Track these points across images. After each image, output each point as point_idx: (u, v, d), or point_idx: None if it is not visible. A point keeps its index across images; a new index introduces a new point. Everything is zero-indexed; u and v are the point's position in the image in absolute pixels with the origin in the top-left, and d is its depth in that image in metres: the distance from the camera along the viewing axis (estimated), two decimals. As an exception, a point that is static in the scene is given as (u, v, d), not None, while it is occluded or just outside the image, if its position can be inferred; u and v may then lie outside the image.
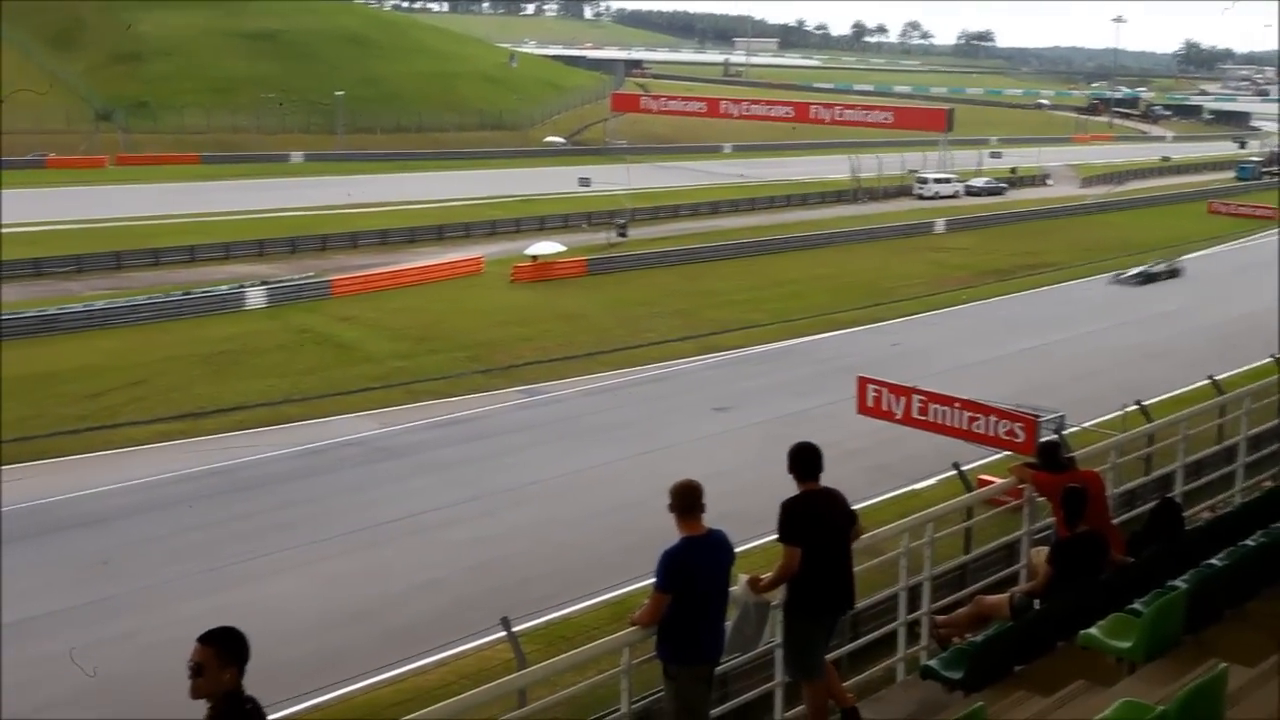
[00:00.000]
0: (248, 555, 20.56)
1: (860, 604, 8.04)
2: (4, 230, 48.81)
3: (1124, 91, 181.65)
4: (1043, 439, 14.83)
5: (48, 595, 19.11)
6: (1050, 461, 9.32)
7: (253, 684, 5.01)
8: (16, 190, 61.36)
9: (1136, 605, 7.40)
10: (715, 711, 7.26)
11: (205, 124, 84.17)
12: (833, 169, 78.75)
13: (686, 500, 6.87)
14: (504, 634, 11.76)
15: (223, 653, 4.99)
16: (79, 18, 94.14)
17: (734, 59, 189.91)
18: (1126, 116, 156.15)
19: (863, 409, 21.22)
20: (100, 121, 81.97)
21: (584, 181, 68.89)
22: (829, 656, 7.60)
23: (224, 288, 42.62)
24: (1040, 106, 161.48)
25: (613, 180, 65.76)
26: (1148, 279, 47.59)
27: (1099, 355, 35.40)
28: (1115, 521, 9.63)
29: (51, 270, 45.36)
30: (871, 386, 21.15)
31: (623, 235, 56.46)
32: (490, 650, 14.32)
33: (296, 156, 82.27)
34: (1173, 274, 48.77)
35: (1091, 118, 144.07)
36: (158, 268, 47.17)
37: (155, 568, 20.26)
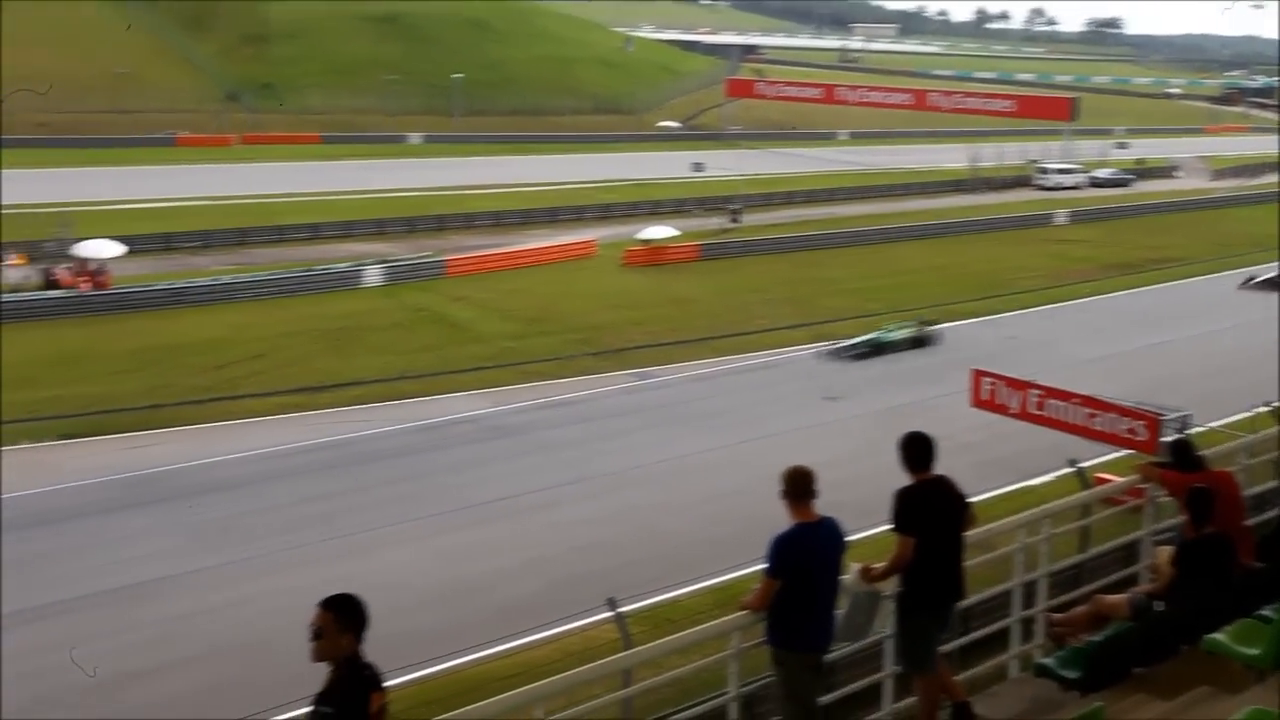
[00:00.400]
0: (362, 527, 21.06)
1: (973, 599, 7.90)
2: (135, 206, 50.80)
3: (1261, 80, 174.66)
4: (1173, 437, 14.35)
5: (173, 559, 19.84)
6: (1181, 460, 9.02)
7: (367, 652, 5.11)
8: (147, 167, 63.65)
9: (1266, 611, 7.14)
10: (824, 700, 7.20)
11: (328, 105, 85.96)
12: (950, 158, 77.40)
13: (799, 486, 6.81)
14: (609, 614, 11.83)
15: (341, 618, 5.09)
16: (211, 1, 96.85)
17: (851, 45, 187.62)
18: (1263, 106, 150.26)
19: (977, 402, 20.87)
20: (228, 101, 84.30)
21: (697, 166, 68.83)
22: (941, 650, 7.48)
23: (343, 265, 43.55)
24: (1169, 96, 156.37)
25: (726, 165, 65.55)
26: (873, 351, 34.21)
27: (1228, 354, 34.22)
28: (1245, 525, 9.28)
29: (180, 245, 46.88)
30: (986, 380, 20.83)
31: (736, 221, 56.24)
32: (596, 630, 14.41)
33: (415, 138, 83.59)
34: (918, 344, 35.11)
35: (1225, 108, 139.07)
36: (280, 244, 48.39)
37: (274, 536, 20.85)
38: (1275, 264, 43.54)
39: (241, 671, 15.59)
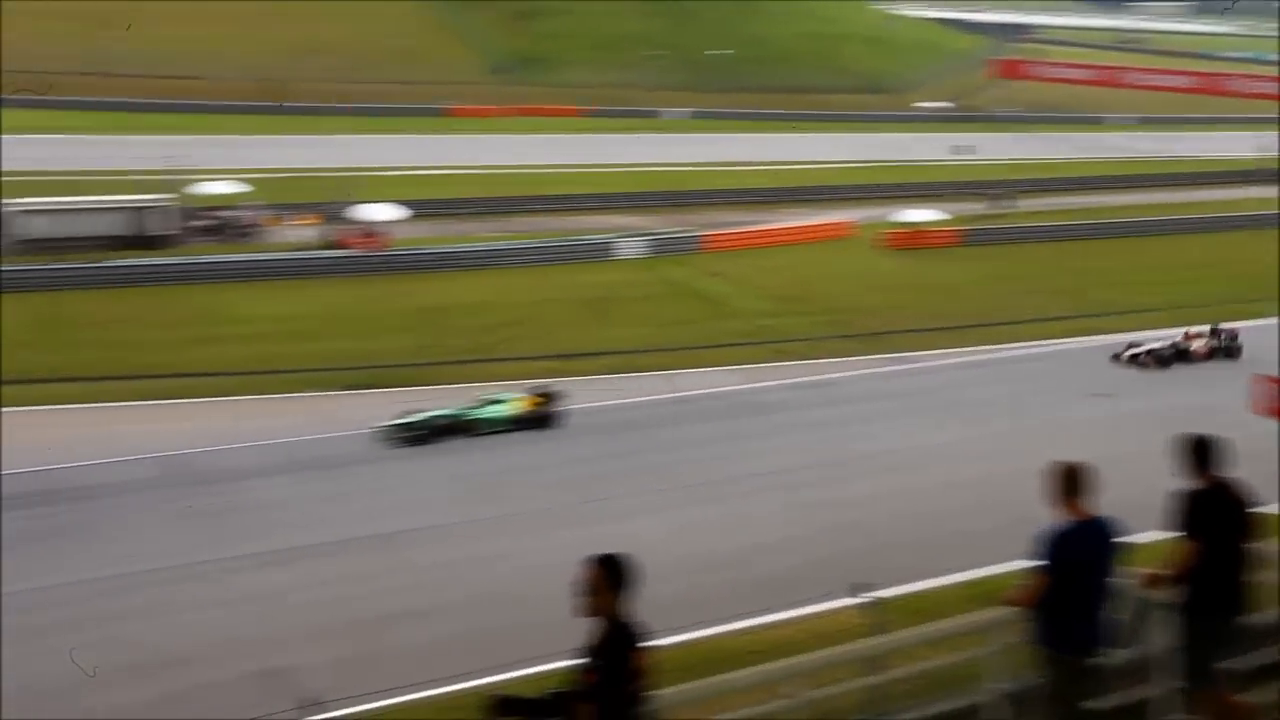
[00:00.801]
0: (615, 494, 21.53)
1: (1266, 616, 7.36)
2: (411, 172, 53.40)
3: None
4: None
5: (430, 511, 20.88)
6: None
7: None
8: (422, 136, 66.73)
9: None
10: (1091, 705, 6.84)
11: (591, 79, 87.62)
12: (1237, 146, 72.15)
13: (1072, 481, 6.58)
14: (858, 599, 11.64)
15: (610, 576, 5.23)
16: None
17: (1133, 24, 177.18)
18: None
19: (1263, 409, 19.48)
20: (496, 74, 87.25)
21: (962, 149, 66.77)
22: (1223, 665, 7.01)
23: (601, 236, 44.51)
24: None
25: (992, 148, 63.32)
26: (438, 432, 24.46)
27: None
28: None
29: (451, 211, 49.00)
30: (1272, 385, 19.38)
31: (1005, 206, 54.10)
32: (843, 614, 14.24)
33: (676, 113, 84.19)
34: (531, 423, 25.22)
35: None
36: (541, 214, 49.81)
37: (530, 496, 21.62)
38: (1161, 331, 32.97)
39: (501, 620, 16.13)
